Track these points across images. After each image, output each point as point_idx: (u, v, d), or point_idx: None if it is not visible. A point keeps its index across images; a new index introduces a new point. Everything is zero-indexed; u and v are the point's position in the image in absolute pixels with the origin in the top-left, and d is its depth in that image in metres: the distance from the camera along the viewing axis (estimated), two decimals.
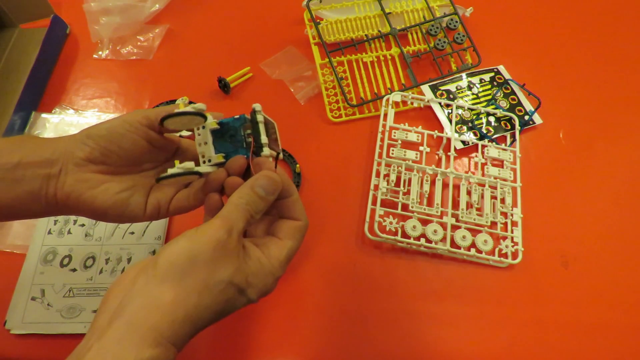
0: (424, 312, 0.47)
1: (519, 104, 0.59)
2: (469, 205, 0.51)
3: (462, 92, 0.60)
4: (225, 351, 0.45)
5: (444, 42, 0.62)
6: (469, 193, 0.52)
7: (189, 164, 0.33)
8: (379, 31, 0.62)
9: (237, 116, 0.36)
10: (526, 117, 0.58)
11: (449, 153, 0.54)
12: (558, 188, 0.54)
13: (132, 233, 0.50)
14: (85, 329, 0.43)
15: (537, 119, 0.58)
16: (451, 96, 0.59)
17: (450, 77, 0.61)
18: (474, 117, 0.58)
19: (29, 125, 0.57)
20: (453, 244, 0.48)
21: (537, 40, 0.66)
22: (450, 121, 0.56)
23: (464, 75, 0.61)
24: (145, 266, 0.29)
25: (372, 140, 0.56)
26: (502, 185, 0.52)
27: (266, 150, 0.35)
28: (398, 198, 0.50)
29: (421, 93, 0.60)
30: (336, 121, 0.58)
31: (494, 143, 0.56)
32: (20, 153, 0.33)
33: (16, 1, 0.61)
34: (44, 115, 0.58)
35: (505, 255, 0.48)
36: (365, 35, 0.61)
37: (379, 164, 0.53)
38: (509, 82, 0.61)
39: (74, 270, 0.48)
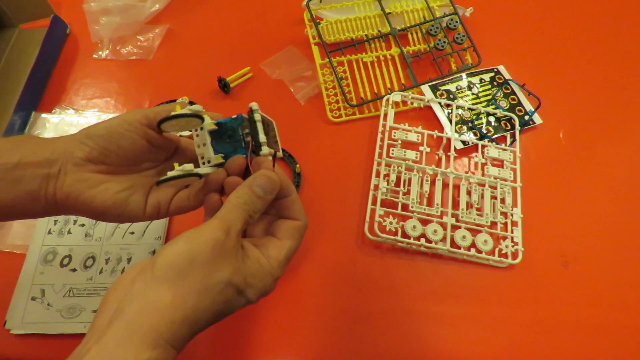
0: (424, 312, 0.47)
1: (519, 104, 0.59)
2: (469, 205, 0.51)
3: (462, 92, 0.60)
4: (225, 351, 0.45)
5: (444, 42, 0.62)
6: (469, 193, 0.52)
7: (188, 166, 0.33)
8: (379, 31, 0.62)
9: (234, 116, 0.35)
10: (526, 117, 0.58)
11: (449, 153, 0.54)
12: (558, 188, 0.54)
13: (132, 233, 0.50)
14: (85, 329, 0.43)
15: (537, 119, 0.58)
16: (451, 96, 0.59)
17: (450, 77, 0.61)
18: (474, 117, 0.58)
19: (29, 125, 0.57)
20: (453, 244, 0.48)
21: (537, 40, 0.66)
22: (450, 121, 0.56)
23: (464, 75, 0.61)
24: (144, 268, 0.29)
25: (372, 140, 0.56)
26: (502, 185, 0.52)
27: (265, 149, 0.35)
28: (398, 198, 0.50)
29: (421, 93, 0.60)
30: (336, 121, 0.58)
31: (494, 143, 0.56)
32: (19, 153, 0.33)
33: (16, 1, 0.61)
34: (44, 115, 0.58)
35: (505, 255, 0.48)
36: (365, 35, 0.61)
37: (379, 164, 0.53)
38: (509, 82, 0.61)
39: (74, 270, 0.48)
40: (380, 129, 0.55)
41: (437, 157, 0.56)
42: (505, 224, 0.50)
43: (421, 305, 0.47)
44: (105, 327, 0.27)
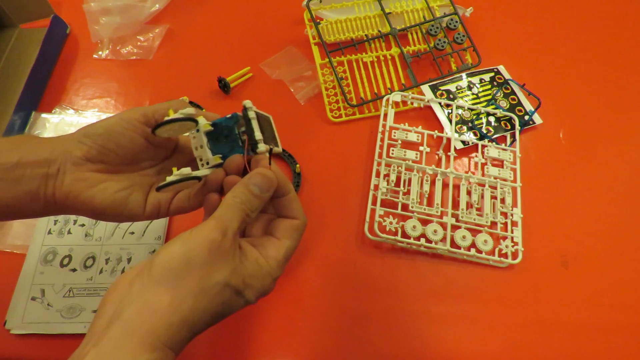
0: (424, 312, 0.47)
1: (519, 104, 0.59)
2: (469, 205, 0.51)
3: (462, 92, 0.60)
4: (225, 351, 0.44)
5: (444, 42, 0.61)
6: (469, 193, 0.51)
7: (186, 170, 0.33)
8: (379, 31, 0.62)
9: (229, 115, 0.35)
10: (526, 117, 0.58)
11: (449, 153, 0.54)
12: (558, 188, 0.54)
13: (132, 233, 0.50)
14: (85, 329, 0.43)
15: (537, 119, 0.58)
16: (451, 96, 0.59)
17: (450, 77, 0.61)
18: (474, 117, 0.58)
19: (29, 125, 0.57)
20: (453, 244, 0.48)
21: (537, 40, 0.66)
22: (450, 121, 0.56)
23: (464, 75, 0.61)
24: (142, 270, 0.29)
25: (372, 140, 0.56)
26: (502, 185, 0.52)
27: (262, 147, 0.34)
28: (398, 198, 0.50)
29: (421, 93, 0.60)
30: (336, 121, 0.58)
31: (494, 143, 0.56)
32: (19, 153, 0.33)
33: (16, 1, 0.61)
34: (44, 115, 0.58)
35: (505, 255, 0.48)
36: (365, 35, 0.61)
37: (379, 164, 0.52)
38: (509, 82, 0.61)
39: (74, 270, 0.48)
40: (380, 129, 0.55)
41: (437, 157, 0.56)
42: (505, 224, 0.50)
43: (421, 305, 0.47)
44: (103, 330, 0.27)
